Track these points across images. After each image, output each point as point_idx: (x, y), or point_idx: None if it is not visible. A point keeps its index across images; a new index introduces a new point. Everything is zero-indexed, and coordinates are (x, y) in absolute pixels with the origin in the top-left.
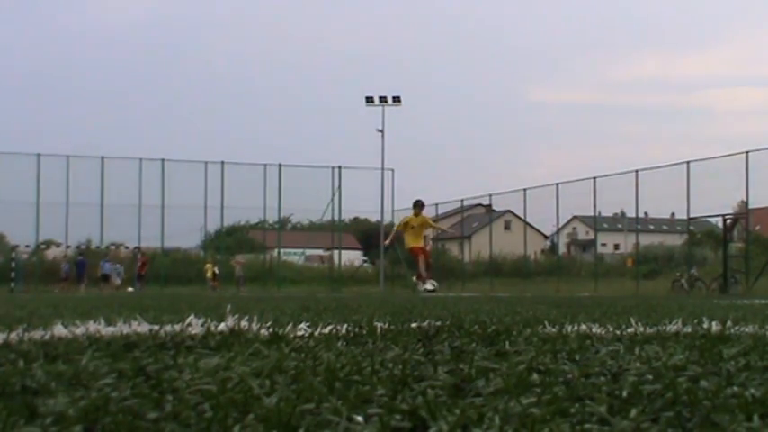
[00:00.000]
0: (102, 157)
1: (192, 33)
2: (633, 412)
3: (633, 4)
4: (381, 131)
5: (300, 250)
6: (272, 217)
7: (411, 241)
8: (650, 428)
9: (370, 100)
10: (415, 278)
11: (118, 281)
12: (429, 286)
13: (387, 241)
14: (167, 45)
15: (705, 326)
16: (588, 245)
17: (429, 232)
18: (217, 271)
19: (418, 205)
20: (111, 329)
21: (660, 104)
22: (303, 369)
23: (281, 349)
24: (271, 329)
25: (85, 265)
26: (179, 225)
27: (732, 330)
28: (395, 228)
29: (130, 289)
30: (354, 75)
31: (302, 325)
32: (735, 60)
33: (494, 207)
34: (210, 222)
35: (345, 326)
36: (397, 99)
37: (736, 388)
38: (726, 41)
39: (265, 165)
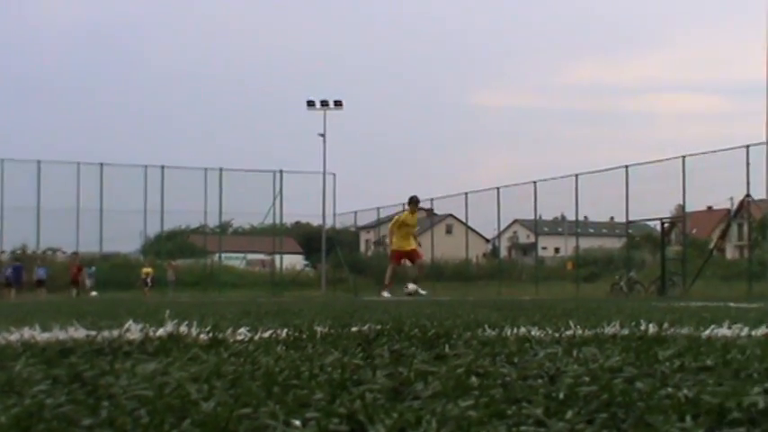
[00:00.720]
0: (39, 161)
1: (133, 34)
2: (569, 414)
3: (574, 11)
4: (323, 136)
5: (242, 254)
6: (212, 221)
7: (404, 243)
8: (585, 429)
9: (311, 104)
10: (409, 284)
11: (88, 283)
12: (412, 288)
13: (385, 246)
14: (109, 46)
15: (642, 328)
16: (529, 248)
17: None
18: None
19: (414, 202)
20: (46, 335)
21: (600, 109)
22: (242, 374)
23: (219, 354)
24: (210, 334)
25: (21, 270)
26: (118, 230)
27: (668, 332)
28: (390, 227)
29: (94, 293)
30: (296, 79)
31: (242, 329)
32: (673, 66)
33: (435, 211)
34: (150, 227)
35: (285, 330)
36: (338, 103)
37: (670, 389)
38: (664, 47)
39: (206, 169)
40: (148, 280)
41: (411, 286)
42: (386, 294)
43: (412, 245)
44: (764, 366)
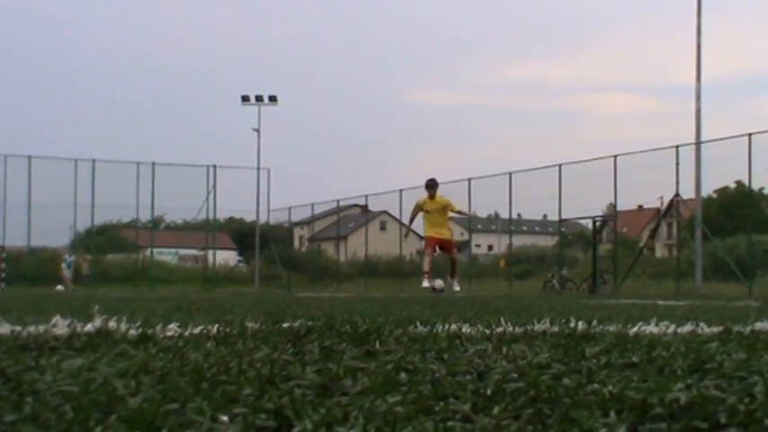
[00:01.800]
0: None
1: (66, 22)
2: (496, 410)
3: (511, 9)
4: (257, 131)
5: (174, 250)
6: (144, 216)
7: (434, 230)
8: (511, 425)
9: (246, 99)
10: (438, 279)
11: (68, 275)
12: (439, 284)
13: (405, 233)
14: (37, 32)
15: (571, 325)
16: (463, 245)
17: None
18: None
19: (431, 185)
20: None
21: (534, 108)
22: (170, 369)
23: (148, 350)
24: (139, 330)
25: None
26: (47, 223)
27: (596, 329)
28: (410, 212)
29: (59, 287)
30: (231, 74)
31: (172, 325)
32: (606, 66)
33: (370, 207)
34: (81, 221)
35: (216, 326)
36: (273, 98)
37: (596, 385)
38: (598, 47)
39: (138, 163)
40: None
41: (439, 282)
42: (425, 284)
43: (444, 233)
44: (688, 363)
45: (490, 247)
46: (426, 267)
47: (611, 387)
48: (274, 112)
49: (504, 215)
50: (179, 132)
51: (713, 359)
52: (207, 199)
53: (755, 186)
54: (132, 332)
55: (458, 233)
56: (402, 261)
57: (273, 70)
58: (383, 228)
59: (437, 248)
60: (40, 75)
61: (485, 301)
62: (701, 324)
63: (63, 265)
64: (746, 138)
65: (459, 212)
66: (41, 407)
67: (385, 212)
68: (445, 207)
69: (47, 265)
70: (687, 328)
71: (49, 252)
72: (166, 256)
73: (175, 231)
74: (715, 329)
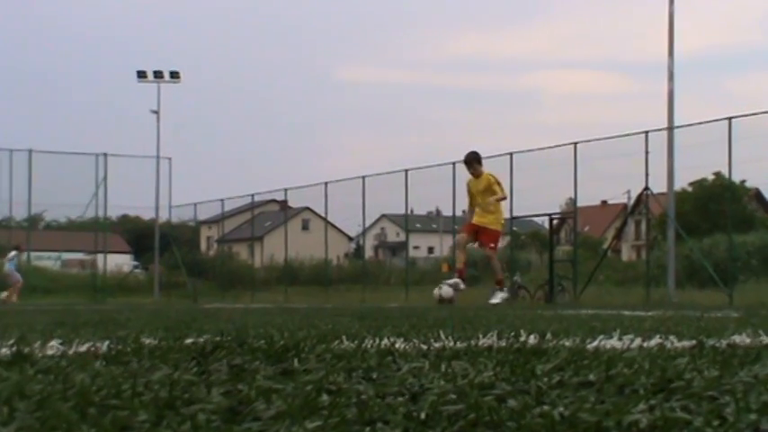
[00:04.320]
0: None
1: None
2: None
3: None
4: (156, 113)
5: (56, 254)
6: (20, 213)
7: (477, 217)
8: None
9: (142, 75)
10: (446, 282)
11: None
12: (446, 291)
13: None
14: None
15: (522, 339)
16: (399, 247)
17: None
18: None
19: (469, 161)
20: None
21: (482, 88)
22: (50, 393)
23: (24, 371)
24: (13, 348)
25: None
26: None
27: (550, 344)
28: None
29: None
30: (125, 44)
31: (54, 342)
32: (566, 40)
33: (290, 203)
34: None
35: (107, 343)
36: (175, 75)
37: (545, 407)
38: (555, 19)
39: (11, 150)
40: None
41: (446, 289)
42: (437, 291)
43: (486, 218)
44: (652, 381)
45: (431, 250)
46: (458, 263)
47: (562, 409)
48: (177, 92)
49: (447, 212)
50: (62, 114)
51: (681, 377)
52: (96, 193)
53: (736, 178)
54: (4, 351)
55: (393, 233)
56: (328, 266)
57: (175, 41)
58: (305, 227)
59: (474, 239)
60: None
61: (423, 311)
62: (671, 337)
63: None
64: (726, 122)
65: (503, 197)
66: None
67: (307, 209)
68: (487, 189)
69: None
70: (655, 342)
71: None
72: (47, 261)
73: (58, 232)
74: (687, 343)
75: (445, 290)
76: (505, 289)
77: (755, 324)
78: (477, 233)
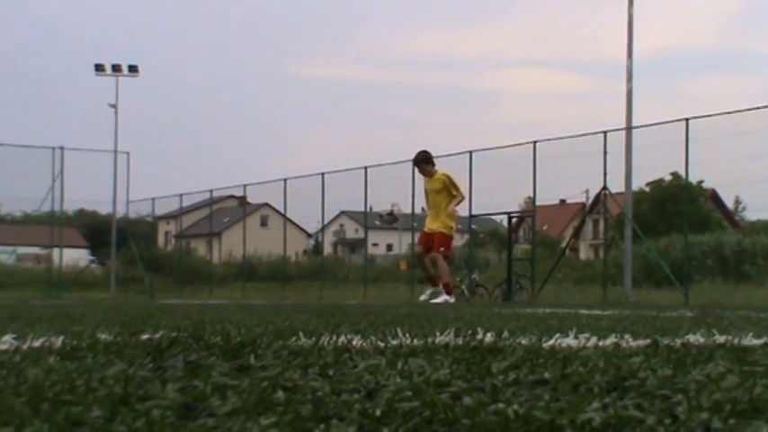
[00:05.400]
0: None
1: None
2: None
3: None
4: (114, 107)
5: (11, 248)
6: None
7: (428, 221)
8: None
9: (100, 68)
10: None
11: None
12: (438, 299)
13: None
14: None
15: (478, 337)
16: (357, 245)
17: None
18: None
19: (418, 160)
20: None
21: (441, 86)
22: (3, 388)
23: None
24: None
25: None
26: None
27: (507, 342)
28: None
29: None
30: (83, 37)
31: (7, 337)
32: (525, 39)
33: (248, 199)
34: None
35: (62, 338)
36: (133, 68)
37: (500, 404)
38: (515, 17)
39: None
40: None
41: (425, 294)
42: (423, 296)
43: (435, 224)
44: (606, 380)
45: (389, 247)
46: (427, 275)
47: (516, 407)
48: (135, 85)
49: (407, 210)
50: (18, 107)
51: (635, 375)
52: (52, 187)
53: (693, 179)
54: None
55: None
56: (286, 262)
57: (134, 34)
58: (264, 223)
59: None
60: None
61: (382, 309)
62: (627, 336)
63: None
64: (683, 123)
65: (460, 198)
66: None
67: (266, 205)
68: (443, 189)
69: None
70: (610, 340)
71: None
72: (1, 255)
73: (13, 226)
74: (642, 342)
75: (425, 295)
76: (453, 295)
77: (709, 323)
78: (428, 240)
